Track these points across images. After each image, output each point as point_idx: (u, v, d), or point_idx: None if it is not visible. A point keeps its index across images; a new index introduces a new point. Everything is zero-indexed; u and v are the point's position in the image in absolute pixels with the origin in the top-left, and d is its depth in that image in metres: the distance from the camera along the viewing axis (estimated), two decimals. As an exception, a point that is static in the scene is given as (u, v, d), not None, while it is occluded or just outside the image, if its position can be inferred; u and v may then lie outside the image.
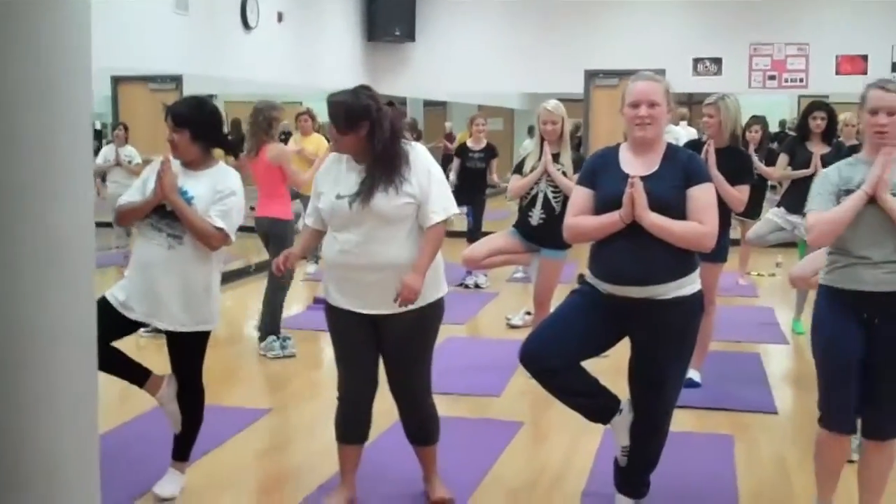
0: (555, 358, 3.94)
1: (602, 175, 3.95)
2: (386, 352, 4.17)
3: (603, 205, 3.88)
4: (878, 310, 3.70)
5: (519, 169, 6.54)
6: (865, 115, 3.73)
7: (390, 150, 3.94)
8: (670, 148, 4.01)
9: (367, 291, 4.00)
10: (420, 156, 4.04)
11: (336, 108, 3.94)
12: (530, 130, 15.38)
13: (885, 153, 3.63)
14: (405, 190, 3.93)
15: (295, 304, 8.49)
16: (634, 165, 3.90)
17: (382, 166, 3.92)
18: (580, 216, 3.95)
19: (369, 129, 3.92)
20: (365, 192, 3.90)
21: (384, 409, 5.56)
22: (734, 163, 5.85)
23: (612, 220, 3.81)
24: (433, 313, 4.15)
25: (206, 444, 4.86)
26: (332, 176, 4.06)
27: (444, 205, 4.02)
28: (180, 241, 4.20)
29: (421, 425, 4.38)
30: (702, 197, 3.86)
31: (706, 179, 3.94)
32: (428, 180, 3.99)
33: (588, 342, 4.01)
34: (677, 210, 3.81)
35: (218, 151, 4.43)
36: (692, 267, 3.91)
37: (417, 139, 10.67)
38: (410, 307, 3.95)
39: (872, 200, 3.63)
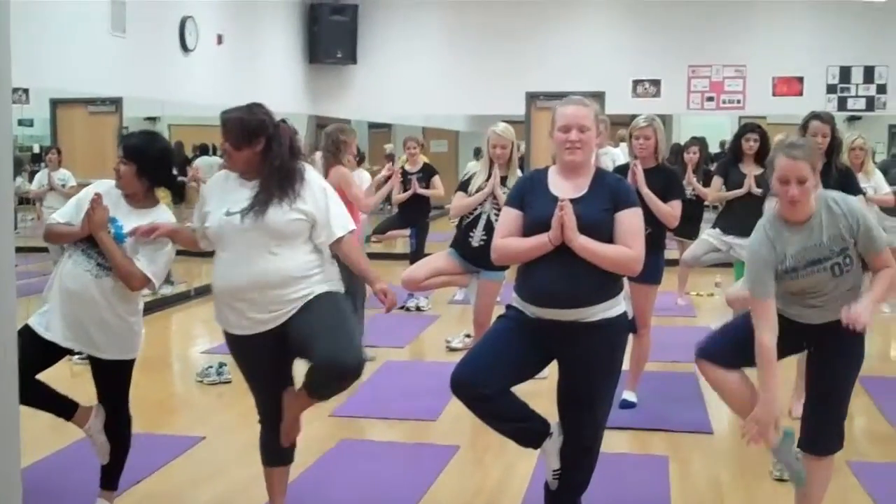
0: (485, 385, 3.91)
1: (531, 197, 3.95)
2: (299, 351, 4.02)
3: (532, 227, 3.89)
4: (812, 337, 3.81)
5: (464, 187, 6.55)
6: (775, 182, 3.77)
7: (287, 165, 3.93)
8: (599, 171, 4.03)
9: (260, 310, 3.91)
10: (314, 175, 4.04)
11: (232, 123, 3.91)
12: (476, 152, 15.43)
13: None
14: (298, 206, 3.90)
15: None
16: (563, 188, 3.91)
17: (278, 181, 3.90)
18: (509, 238, 3.95)
19: (265, 145, 3.91)
20: (259, 206, 3.86)
21: (324, 433, 5.58)
22: (664, 180, 5.94)
23: (540, 242, 3.81)
24: (336, 295, 4.08)
25: (138, 472, 4.81)
26: (219, 194, 4.01)
27: (342, 222, 4.02)
28: (108, 272, 4.15)
29: None
30: (629, 221, 3.88)
31: (634, 204, 3.95)
32: (324, 198, 3.98)
33: (517, 367, 4.00)
34: (605, 233, 3.83)
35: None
36: (618, 289, 3.94)
37: (360, 162, 10.66)
38: (306, 300, 3.91)
39: None
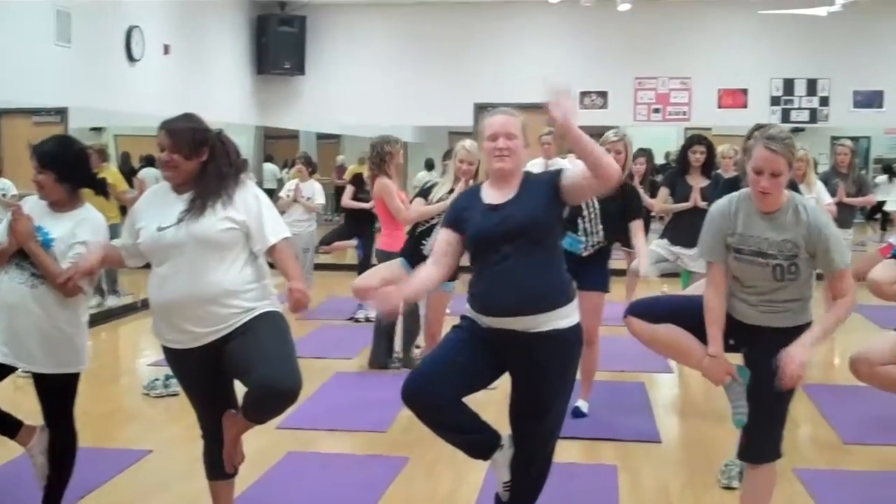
0: (436, 395, 3.89)
1: (468, 214, 3.95)
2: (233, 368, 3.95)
3: (473, 243, 3.90)
4: (746, 339, 3.83)
5: (424, 194, 6.54)
6: (749, 170, 3.80)
7: (226, 175, 3.92)
8: (525, 175, 4.01)
9: (196, 324, 3.86)
10: (248, 184, 4.01)
11: (182, 133, 3.87)
12: (428, 163, 15.45)
13: None
14: (231, 215, 3.85)
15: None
16: (494, 196, 3.92)
17: (213, 190, 3.86)
18: (424, 269, 4.04)
19: (209, 155, 3.90)
20: (192, 217, 3.82)
21: (272, 445, 5.54)
22: (624, 202, 5.94)
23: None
24: (275, 315, 4.04)
25: (83, 486, 4.74)
26: (152, 210, 3.95)
27: (276, 229, 3.97)
28: (43, 281, 4.10)
29: None
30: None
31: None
32: (257, 206, 3.94)
33: (469, 378, 3.98)
34: (544, 226, 3.82)
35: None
36: (567, 298, 3.92)
37: (312, 173, 10.63)
38: (244, 319, 3.88)
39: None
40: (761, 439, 3.93)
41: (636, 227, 6.07)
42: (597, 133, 6.23)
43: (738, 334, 3.87)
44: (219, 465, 4.12)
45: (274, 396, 3.73)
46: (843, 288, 3.81)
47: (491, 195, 3.95)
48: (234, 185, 3.93)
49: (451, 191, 6.38)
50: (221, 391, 4.06)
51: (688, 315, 3.92)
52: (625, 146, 6.05)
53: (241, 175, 4.00)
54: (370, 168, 7.28)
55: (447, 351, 4.03)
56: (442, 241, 4.00)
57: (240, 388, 3.89)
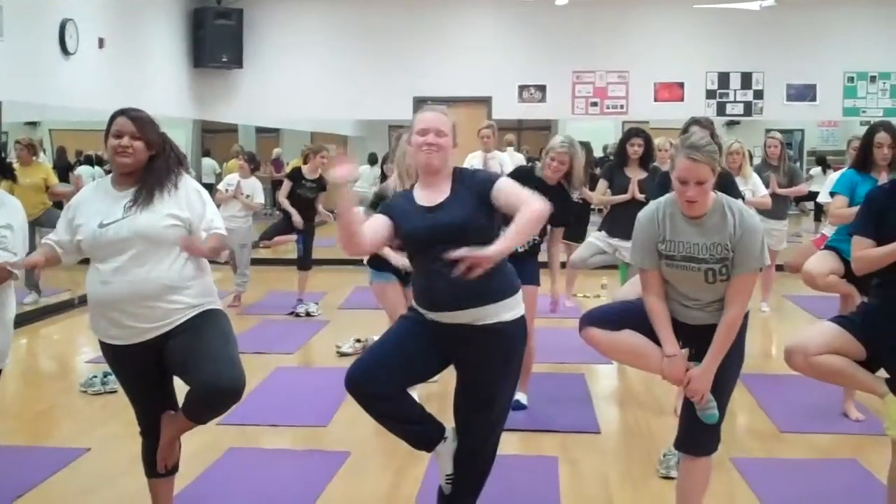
0: (381, 384, 3.89)
1: (401, 211, 3.95)
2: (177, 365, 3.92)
3: (409, 243, 3.94)
4: (689, 337, 3.87)
5: (375, 206, 6.50)
6: (674, 180, 3.82)
7: (170, 169, 3.91)
8: (455, 171, 4.02)
9: (138, 320, 3.83)
10: (189, 180, 4.00)
11: (145, 121, 3.88)
12: (371, 158, 15.38)
13: None
14: (174, 212, 3.84)
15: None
16: (426, 196, 3.94)
17: (160, 183, 3.86)
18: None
19: (157, 149, 3.90)
20: (139, 207, 3.81)
21: (212, 442, 5.50)
22: (563, 206, 5.98)
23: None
24: (218, 314, 4.04)
25: (19, 486, 4.70)
26: (92, 206, 3.91)
27: (218, 223, 3.98)
28: None
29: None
30: (506, 189, 3.87)
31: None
32: (200, 202, 3.94)
33: (414, 368, 4.00)
34: (478, 230, 3.80)
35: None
36: (511, 291, 3.94)
37: (254, 170, 10.54)
38: (186, 316, 3.86)
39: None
40: (700, 432, 3.98)
41: (557, 233, 6.17)
42: (537, 126, 6.29)
43: (682, 334, 3.91)
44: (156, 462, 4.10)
45: (217, 396, 3.71)
46: (745, 291, 3.84)
47: (423, 196, 3.95)
48: (178, 179, 3.91)
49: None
50: (161, 389, 4.03)
51: (640, 317, 3.94)
52: (570, 157, 6.01)
53: (183, 170, 3.99)
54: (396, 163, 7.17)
55: (392, 340, 4.04)
56: (372, 221, 3.96)
57: (180, 387, 3.87)
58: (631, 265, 7.46)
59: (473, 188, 3.90)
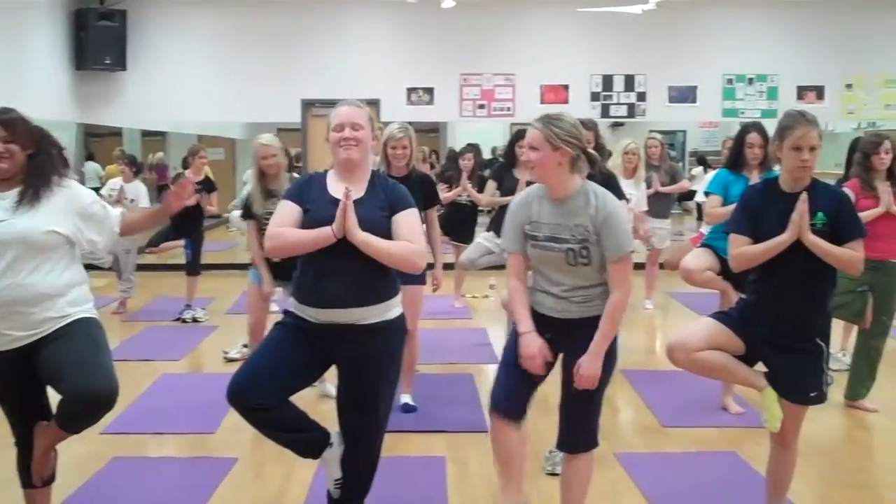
0: (262, 395, 3.86)
1: (310, 195, 3.94)
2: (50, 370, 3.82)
3: (314, 228, 3.87)
4: (555, 331, 3.93)
5: (248, 209, 6.44)
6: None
7: (54, 165, 3.84)
8: (374, 174, 4.07)
9: (11, 327, 3.75)
10: (74, 185, 3.94)
11: (17, 123, 3.81)
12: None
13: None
14: (53, 225, 3.78)
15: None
16: (340, 190, 3.91)
17: (41, 185, 3.79)
18: (286, 227, 3.90)
19: (35, 150, 3.82)
20: (25, 206, 3.74)
21: (95, 452, 5.39)
22: (421, 189, 6.03)
23: (323, 234, 3.79)
24: (90, 321, 3.97)
25: None
26: None
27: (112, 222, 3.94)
28: None
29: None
30: (409, 221, 3.95)
31: (411, 205, 4.02)
32: (99, 207, 3.92)
33: (295, 375, 3.98)
34: (381, 235, 3.85)
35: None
36: (394, 291, 4.00)
37: (137, 174, 10.35)
38: (59, 324, 3.79)
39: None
40: (579, 430, 4.06)
41: (432, 215, 6.28)
42: (426, 129, 6.34)
43: (550, 329, 3.97)
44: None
45: (88, 405, 3.65)
46: (622, 277, 3.92)
47: (336, 188, 3.94)
48: (62, 181, 3.84)
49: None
50: (34, 398, 3.95)
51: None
52: (409, 140, 6.15)
53: (63, 175, 3.90)
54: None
55: (271, 349, 4.00)
56: (289, 214, 3.93)
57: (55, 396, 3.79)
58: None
59: (387, 198, 3.94)
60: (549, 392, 4.11)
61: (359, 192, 3.92)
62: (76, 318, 3.83)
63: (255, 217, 6.33)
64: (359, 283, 3.84)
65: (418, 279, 6.06)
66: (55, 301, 3.77)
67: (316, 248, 3.83)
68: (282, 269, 5.98)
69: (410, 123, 6.36)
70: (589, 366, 3.88)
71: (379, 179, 4.09)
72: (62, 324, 3.78)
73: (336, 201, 3.84)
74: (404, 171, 6.12)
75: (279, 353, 3.96)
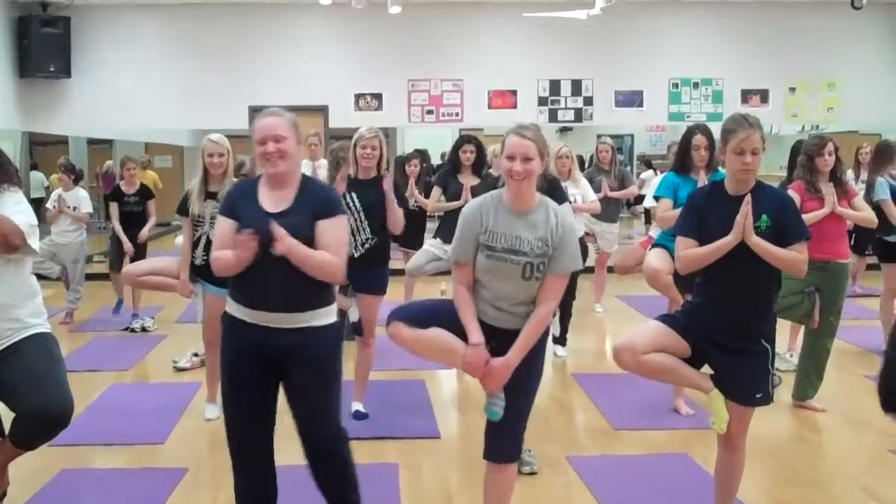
0: (264, 441, 4.05)
1: (242, 207, 3.91)
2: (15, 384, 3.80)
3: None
4: (499, 340, 3.92)
5: (183, 204, 6.38)
6: (503, 159, 3.88)
7: (9, 175, 3.79)
8: (304, 181, 4.02)
9: None
10: (6, 195, 3.88)
11: None
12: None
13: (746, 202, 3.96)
14: None
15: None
16: (271, 201, 3.91)
17: None
18: (222, 250, 3.89)
19: None
20: None
21: (42, 464, 5.32)
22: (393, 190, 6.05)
23: (244, 256, 3.77)
24: (46, 337, 3.92)
25: None
26: None
27: (20, 219, 3.84)
28: None
29: None
30: (331, 230, 3.90)
31: (338, 213, 3.98)
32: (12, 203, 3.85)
33: (270, 412, 4.05)
34: (305, 241, 3.83)
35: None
36: (331, 298, 4.01)
37: (77, 181, 10.22)
38: (14, 338, 3.74)
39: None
40: (503, 440, 4.04)
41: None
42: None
43: (494, 337, 3.93)
44: None
45: (44, 423, 3.62)
46: (556, 291, 3.92)
47: (267, 198, 3.92)
48: (6, 189, 3.79)
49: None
50: None
51: (448, 317, 3.96)
52: (380, 142, 6.13)
53: (10, 184, 3.86)
54: (329, 173, 7.00)
55: (240, 392, 3.99)
56: (225, 233, 3.91)
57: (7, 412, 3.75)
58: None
59: (316, 205, 3.89)
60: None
61: (287, 201, 3.90)
62: (35, 331, 3.78)
63: (188, 215, 6.26)
64: (299, 288, 3.83)
65: (376, 289, 6.07)
66: (13, 311, 3.72)
67: (241, 269, 3.82)
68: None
69: (356, 129, 6.33)
70: (499, 369, 3.84)
71: (310, 185, 4.05)
72: (18, 338, 3.73)
73: (266, 214, 3.83)
74: (373, 173, 6.09)
75: (250, 394, 3.97)
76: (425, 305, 4.15)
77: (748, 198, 4.01)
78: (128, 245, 9.79)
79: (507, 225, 3.89)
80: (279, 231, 3.73)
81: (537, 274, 3.86)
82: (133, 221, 9.89)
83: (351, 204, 5.96)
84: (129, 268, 6.56)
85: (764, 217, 4.03)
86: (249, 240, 3.70)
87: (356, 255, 5.88)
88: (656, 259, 6.14)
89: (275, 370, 3.94)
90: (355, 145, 6.09)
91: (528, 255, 3.84)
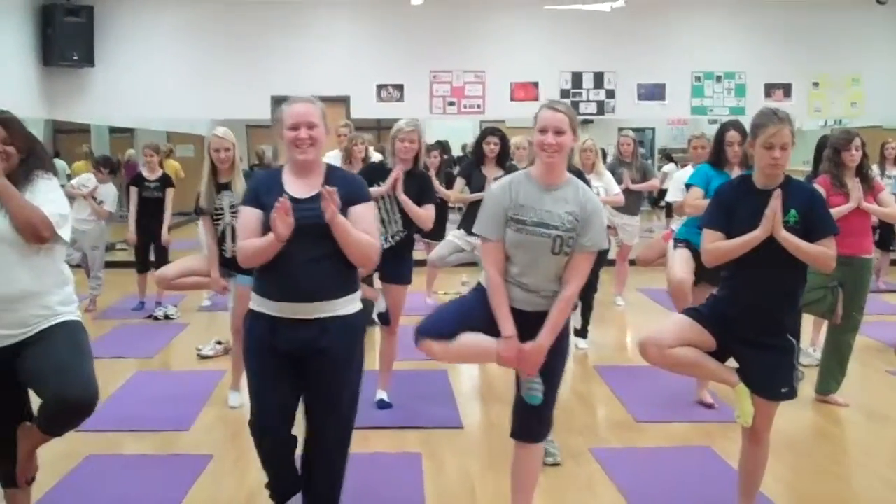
0: (286, 428, 4.04)
1: (267, 196, 3.88)
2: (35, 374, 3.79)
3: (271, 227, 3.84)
4: (524, 327, 3.93)
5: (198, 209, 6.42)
6: (535, 133, 3.90)
7: (36, 169, 3.82)
8: (329, 169, 4.04)
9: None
10: (45, 182, 3.88)
11: (16, 123, 3.80)
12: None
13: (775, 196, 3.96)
14: None
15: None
16: (297, 187, 3.91)
17: (27, 190, 3.76)
18: (248, 239, 3.90)
19: (27, 154, 3.81)
20: (1, 214, 3.70)
21: (70, 449, 5.37)
22: (418, 185, 6.05)
23: (268, 241, 3.78)
24: (74, 325, 3.94)
25: None
26: None
27: (51, 209, 3.82)
28: None
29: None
30: (367, 215, 3.94)
31: (366, 199, 4.01)
32: (46, 190, 3.84)
33: (293, 401, 4.05)
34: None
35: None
36: (356, 286, 4.01)
37: (112, 173, 10.28)
38: (43, 325, 3.77)
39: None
40: (533, 420, 4.08)
41: (427, 209, 6.20)
42: (391, 125, 6.34)
43: (517, 321, 3.93)
44: (12, 473, 3.99)
45: (70, 410, 3.64)
46: (583, 270, 3.94)
47: (294, 186, 3.93)
48: (41, 176, 3.82)
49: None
50: (14, 398, 3.93)
51: (475, 315, 3.98)
52: (419, 135, 6.12)
53: (49, 173, 3.89)
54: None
55: (266, 378, 4.00)
56: (250, 222, 3.92)
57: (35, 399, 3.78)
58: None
59: (346, 191, 3.86)
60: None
61: (314, 188, 3.89)
62: (63, 319, 3.81)
63: (204, 213, 6.29)
64: (325, 276, 3.85)
65: (402, 278, 6.09)
66: (40, 300, 3.75)
67: (272, 254, 3.82)
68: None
69: (379, 121, 6.35)
70: (532, 352, 3.87)
71: (336, 172, 4.08)
72: (46, 325, 3.75)
73: (295, 200, 3.82)
74: (410, 165, 6.10)
75: (276, 383, 3.98)
76: (449, 312, 4.13)
77: (778, 192, 4.00)
78: (131, 236, 9.88)
79: (536, 199, 3.91)
80: (328, 193, 3.72)
81: (566, 248, 3.87)
82: (152, 208, 9.92)
83: (386, 196, 5.98)
84: (161, 273, 6.58)
85: (792, 212, 4.02)
86: (286, 210, 3.70)
87: (386, 247, 5.87)
88: (681, 269, 6.11)
89: (298, 361, 3.95)
90: (394, 138, 6.09)
91: (558, 229, 3.86)
